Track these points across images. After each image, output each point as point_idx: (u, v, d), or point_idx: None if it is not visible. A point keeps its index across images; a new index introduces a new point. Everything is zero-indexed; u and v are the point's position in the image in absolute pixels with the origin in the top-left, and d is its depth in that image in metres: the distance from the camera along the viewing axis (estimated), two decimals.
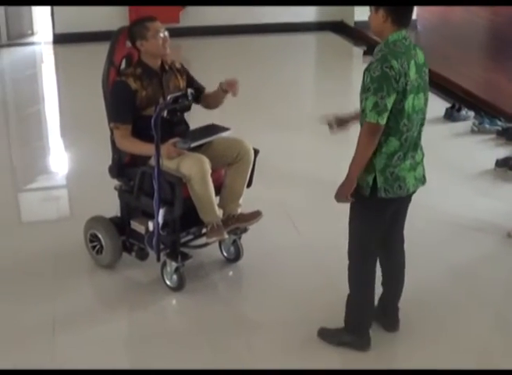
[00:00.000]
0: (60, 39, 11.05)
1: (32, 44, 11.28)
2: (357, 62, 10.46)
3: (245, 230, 5.01)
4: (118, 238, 4.94)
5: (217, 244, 5.05)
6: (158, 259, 4.76)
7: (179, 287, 4.80)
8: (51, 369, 4.09)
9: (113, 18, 10.36)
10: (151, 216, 4.65)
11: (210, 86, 5.02)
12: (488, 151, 7.10)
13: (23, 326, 4.48)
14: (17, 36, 11.22)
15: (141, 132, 4.64)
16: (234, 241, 5.08)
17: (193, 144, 4.66)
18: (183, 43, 10.29)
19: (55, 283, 4.93)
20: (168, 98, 4.56)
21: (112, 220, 5.00)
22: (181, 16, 11.15)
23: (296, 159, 6.93)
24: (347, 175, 3.87)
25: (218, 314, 4.64)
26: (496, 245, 5.46)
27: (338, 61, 10.55)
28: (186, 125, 4.93)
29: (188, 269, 4.83)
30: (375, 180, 3.87)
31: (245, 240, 5.08)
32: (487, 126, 7.56)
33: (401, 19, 3.83)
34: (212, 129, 4.90)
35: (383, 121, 3.73)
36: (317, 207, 5.85)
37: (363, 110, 3.79)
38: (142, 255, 4.95)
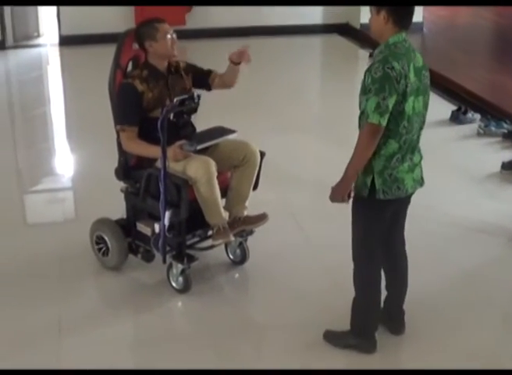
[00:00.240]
0: (66, 41, 11.05)
1: (38, 46, 11.28)
2: (362, 65, 10.43)
3: (251, 232, 5.01)
4: (124, 240, 4.94)
5: (223, 246, 5.04)
6: (164, 261, 4.76)
7: (184, 289, 4.79)
8: (57, 369, 4.10)
9: (119, 20, 10.36)
10: (157, 218, 4.65)
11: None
12: (494, 154, 7.09)
13: (28, 327, 4.48)
14: (23, 38, 11.22)
15: (148, 134, 4.64)
16: (240, 244, 5.08)
17: (200, 147, 4.66)
18: (189, 45, 10.27)
19: (61, 285, 4.94)
20: (175, 100, 4.55)
21: (117, 222, 5.00)
22: (187, 18, 11.15)
23: (303, 162, 6.93)
24: (343, 175, 3.87)
25: (224, 316, 4.63)
26: (502, 247, 5.45)
27: (344, 63, 10.55)
28: (193, 127, 4.93)
29: (194, 271, 4.83)
30: (373, 181, 3.87)
31: (251, 242, 5.08)
32: (493, 128, 7.54)
33: (402, 20, 3.83)
34: (218, 131, 4.90)
35: (385, 122, 3.73)
36: (323, 209, 5.81)
37: (363, 111, 3.78)
38: (148, 257, 4.95)
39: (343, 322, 4.24)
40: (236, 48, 4.89)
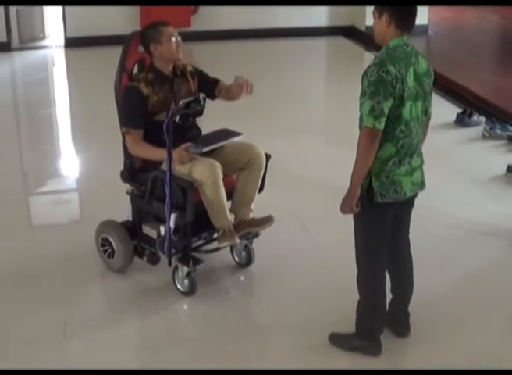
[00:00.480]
0: (71, 43, 11.08)
1: (43, 47, 11.31)
2: None
3: (257, 234, 5.02)
4: (129, 242, 4.95)
5: (228, 248, 5.05)
6: (170, 264, 4.77)
7: (190, 291, 4.80)
8: (62, 368, 4.11)
9: (124, 22, 10.39)
10: (163, 220, 4.66)
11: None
12: (499, 157, 7.09)
13: (34, 329, 4.49)
14: (29, 39, 11.26)
15: (153, 137, 4.64)
16: (246, 246, 5.09)
17: (205, 149, 4.67)
18: (195, 47, 10.29)
19: (66, 287, 4.94)
20: (180, 103, 4.55)
21: (123, 224, 5.01)
22: (192, 20, 11.15)
23: (308, 164, 6.93)
24: (350, 185, 3.85)
25: (230, 318, 4.64)
26: (507, 250, 5.45)
27: (349, 66, 10.54)
28: (198, 130, 4.94)
29: (199, 273, 4.84)
30: (370, 184, 3.87)
31: (257, 244, 5.09)
32: (498, 131, 7.54)
33: (405, 23, 3.83)
34: (224, 134, 4.90)
35: (380, 125, 3.72)
36: (328, 212, 5.80)
37: (361, 114, 3.79)
38: (153, 260, 4.95)
39: (348, 323, 4.25)
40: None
